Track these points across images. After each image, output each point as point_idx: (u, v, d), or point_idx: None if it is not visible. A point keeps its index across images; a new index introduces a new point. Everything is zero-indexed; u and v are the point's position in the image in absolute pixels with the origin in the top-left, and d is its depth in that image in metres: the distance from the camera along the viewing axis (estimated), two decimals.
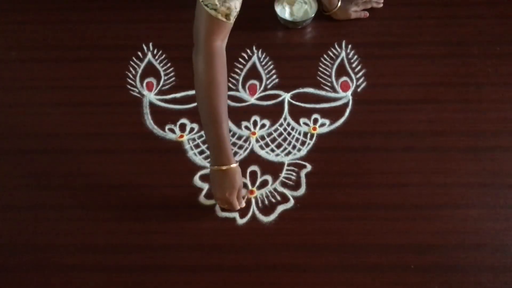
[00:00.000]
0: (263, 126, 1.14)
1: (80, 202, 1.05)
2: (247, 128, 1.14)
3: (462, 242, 0.98)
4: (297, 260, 0.98)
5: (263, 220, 1.02)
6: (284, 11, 1.25)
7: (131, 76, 1.22)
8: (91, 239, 1.01)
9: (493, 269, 0.96)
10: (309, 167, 1.08)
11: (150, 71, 1.22)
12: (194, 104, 1.16)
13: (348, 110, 1.15)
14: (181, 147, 1.12)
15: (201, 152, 1.11)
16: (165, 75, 1.22)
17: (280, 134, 1.13)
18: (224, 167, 0.94)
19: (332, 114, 1.15)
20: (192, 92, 1.18)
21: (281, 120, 1.14)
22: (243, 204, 1.02)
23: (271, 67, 1.22)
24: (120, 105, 1.17)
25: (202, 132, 1.13)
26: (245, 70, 1.21)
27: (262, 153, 1.11)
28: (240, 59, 1.23)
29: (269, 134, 1.13)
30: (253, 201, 1.04)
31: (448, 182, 1.05)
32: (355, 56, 1.23)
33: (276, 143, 1.12)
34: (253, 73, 1.21)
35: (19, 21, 1.32)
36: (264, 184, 1.07)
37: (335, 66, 1.21)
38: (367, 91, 1.18)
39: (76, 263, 0.98)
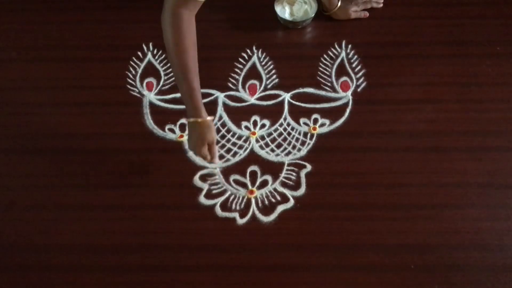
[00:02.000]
0: (263, 126, 1.14)
1: (80, 202, 1.05)
2: (247, 128, 1.14)
3: (462, 242, 0.98)
4: (297, 260, 0.98)
5: (263, 220, 1.02)
6: (284, 11, 1.25)
7: (131, 76, 1.22)
8: (91, 239, 1.01)
9: (493, 269, 0.96)
10: (309, 167, 1.08)
11: (150, 71, 1.23)
12: None
13: (348, 110, 1.15)
14: (181, 147, 1.12)
15: None
16: (165, 75, 1.22)
17: (280, 134, 1.13)
18: (192, 120, 0.97)
19: (332, 114, 1.15)
20: None
21: (281, 120, 1.15)
22: (216, 160, 1.03)
23: (271, 67, 1.22)
24: (120, 105, 1.17)
25: None
26: (245, 70, 1.21)
27: (262, 153, 1.11)
28: (240, 59, 1.23)
29: (269, 134, 1.13)
30: (253, 201, 1.04)
31: (448, 182, 1.05)
32: (355, 56, 1.23)
33: (276, 143, 1.12)
34: (253, 73, 1.21)
35: (19, 21, 1.32)
36: (264, 184, 1.07)
37: (335, 66, 1.21)
38: (367, 91, 1.18)
39: (76, 263, 0.98)
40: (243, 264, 0.98)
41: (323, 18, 1.28)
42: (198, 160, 1.09)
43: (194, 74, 0.94)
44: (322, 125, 1.13)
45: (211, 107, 1.16)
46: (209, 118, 0.98)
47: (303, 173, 1.07)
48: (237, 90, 1.19)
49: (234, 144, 1.12)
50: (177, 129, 1.14)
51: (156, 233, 1.01)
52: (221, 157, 1.10)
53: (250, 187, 1.06)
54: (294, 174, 1.08)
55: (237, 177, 1.08)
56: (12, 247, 1.01)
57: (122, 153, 1.11)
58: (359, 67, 1.21)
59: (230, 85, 1.19)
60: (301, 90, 1.18)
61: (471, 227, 1.00)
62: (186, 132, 1.13)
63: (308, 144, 1.11)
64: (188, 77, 0.93)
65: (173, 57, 0.93)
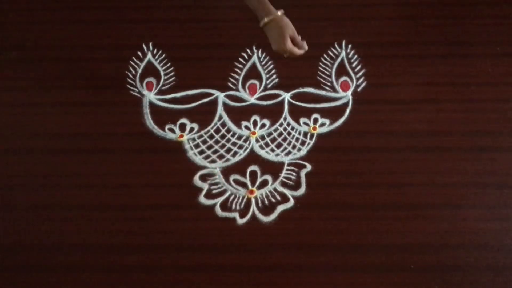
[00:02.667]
0: (263, 126, 1.14)
1: (80, 202, 1.05)
2: (247, 128, 1.14)
3: (462, 242, 0.98)
4: (297, 260, 0.98)
5: (263, 220, 1.02)
6: None
7: (131, 76, 1.22)
8: (91, 239, 1.01)
9: (493, 269, 0.96)
10: (309, 167, 1.08)
11: (150, 71, 1.23)
12: (194, 104, 1.17)
13: (348, 110, 1.15)
14: (181, 147, 1.12)
15: (201, 152, 1.11)
16: (165, 75, 1.22)
17: (280, 134, 1.13)
18: (266, 20, 0.96)
19: (332, 114, 1.15)
20: (192, 92, 1.19)
21: (281, 120, 1.15)
22: (305, 46, 1.01)
23: (271, 67, 1.22)
24: (120, 105, 1.17)
25: (202, 132, 1.13)
26: (245, 70, 1.21)
27: (262, 153, 1.11)
28: (240, 59, 1.23)
29: (269, 134, 1.13)
30: (253, 201, 1.04)
31: (448, 182, 1.05)
32: (355, 56, 1.23)
33: (276, 143, 1.12)
34: (253, 73, 1.21)
35: (19, 21, 1.32)
36: (264, 184, 1.07)
37: (335, 66, 1.21)
38: (367, 91, 1.18)
39: (76, 263, 0.98)
40: (243, 264, 0.98)
41: (323, 18, 1.28)
42: (198, 160, 1.09)
43: None
44: (322, 125, 1.13)
45: (211, 107, 1.17)
46: (280, 12, 0.97)
47: (303, 173, 1.07)
48: (237, 90, 1.19)
49: (234, 144, 1.12)
50: (177, 129, 1.14)
51: (156, 233, 1.01)
52: (221, 157, 1.10)
53: (250, 187, 1.06)
54: (294, 174, 1.07)
55: (237, 177, 1.08)
56: (12, 247, 1.01)
57: (122, 153, 1.11)
58: (359, 67, 1.21)
59: (230, 85, 1.19)
60: (301, 90, 1.18)
61: (471, 227, 1.00)
62: (186, 132, 1.13)
63: (308, 144, 1.11)
64: None
65: None
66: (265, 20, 0.96)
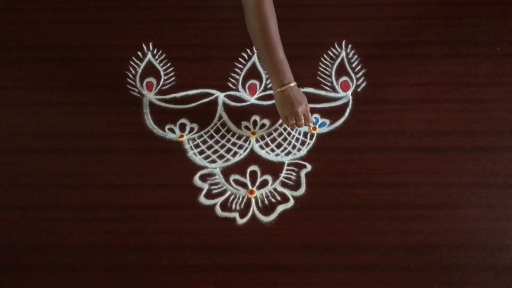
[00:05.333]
0: (263, 126, 1.14)
1: (80, 202, 1.05)
2: (247, 128, 1.14)
3: (462, 242, 0.98)
4: (297, 260, 0.98)
5: (263, 220, 1.02)
6: None
7: (131, 76, 1.22)
8: (91, 239, 1.01)
9: (493, 268, 0.96)
10: (309, 167, 1.08)
11: (150, 71, 1.23)
12: (194, 104, 1.17)
13: (348, 110, 1.15)
14: (181, 147, 1.12)
15: (201, 152, 1.11)
16: (165, 75, 1.22)
17: (280, 134, 1.13)
18: (284, 88, 1.00)
19: (332, 114, 1.15)
20: (192, 92, 1.19)
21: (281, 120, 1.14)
22: (312, 119, 1.09)
23: None
24: (120, 105, 1.17)
25: (202, 132, 1.13)
26: (245, 70, 1.21)
27: (262, 153, 1.11)
28: (240, 59, 1.23)
29: (269, 134, 1.13)
30: (253, 201, 1.04)
31: (448, 182, 1.05)
32: (355, 56, 1.23)
33: (276, 143, 1.12)
34: (253, 72, 1.21)
35: (19, 21, 1.32)
36: (264, 184, 1.07)
37: (335, 66, 1.21)
38: (367, 91, 1.18)
39: (76, 263, 0.99)
40: (243, 264, 0.98)
41: (323, 17, 1.28)
42: (198, 160, 1.09)
43: (279, 45, 0.99)
44: (322, 125, 1.13)
45: (211, 107, 1.17)
46: (294, 83, 1.01)
47: (303, 173, 1.07)
48: (237, 90, 1.19)
49: (234, 144, 1.12)
50: (177, 129, 1.14)
51: (156, 233, 1.01)
52: (221, 157, 1.10)
53: (250, 187, 1.06)
54: (294, 174, 1.08)
55: (237, 177, 1.08)
56: (12, 247, 1.01)
57: (122, 153, 1.11)
58: (359, 67, 1.21)
59: (230, 85, 1.19)
60: (301, 90, 1.18)
61: (471, 227, 1.00)
62: (186, 132, 1.13)
63: (308, 144, 1.11)
64: (274, 50, 0.98)
65: (257, 31, 0.97)
66: (283, 88, 1.00)
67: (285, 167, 1.09)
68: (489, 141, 1.10)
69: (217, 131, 1.13)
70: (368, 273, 0.96)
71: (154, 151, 1.11)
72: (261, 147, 1.11)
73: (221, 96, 1.18)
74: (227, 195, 1.05)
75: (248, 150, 1.11)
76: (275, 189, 1.06)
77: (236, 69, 1.21)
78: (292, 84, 1.00)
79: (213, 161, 1.10)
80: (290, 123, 1.04)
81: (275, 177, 1.07)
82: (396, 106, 1.15)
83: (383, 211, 1.02)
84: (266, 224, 1.02)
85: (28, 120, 1.16)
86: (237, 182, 1.07)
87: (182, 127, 1.14)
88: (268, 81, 1.20)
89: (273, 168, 1.09)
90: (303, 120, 1.03)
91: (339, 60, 1.22)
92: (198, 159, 1.10)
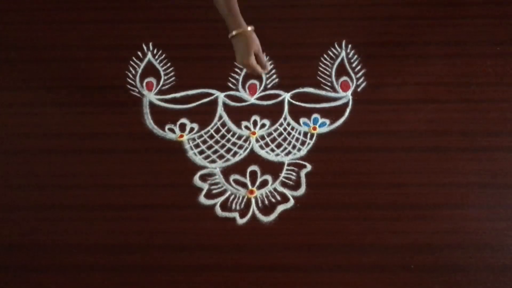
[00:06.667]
0: (263, 126, 1.14)
1: (80, 202, 1.05)
2: (247, 128, 1.14)
3: (462, 242, 0.98)
4: (297, 260, 0.98)
5: (263, 220, 1.02)
6: None
7: (131, 76, 1.22)
8: (91, 239, 1.01)
9: (493, 268, 0.96)
10: (309, 167, 1.08)
11: (150, 71, 1.23)
12: (194, 104, 1.17)
13: (348, 110, 1.15)
14: (181, 147, 1.12)
15: (201, 152, 1.11)
16: (165, 75, 1.22)
17: (280, 134, 1.13)
18: (235, 32, 0.99)
19: (332, 114, 1.15)
20: (192, 92, 1.19)
21: (281, 119, 1.15)
22: (268, 67, 1.07)
23: (271, 66, 1.22)
24: (120, 105, 1.17)
25: (202, 132, 1.13)
26: (245, 70, 1.21)
27: (262, 153, 1.11)
28: None
29: (269, 134, 1.13)
30: (253, 201, 1.04)
31: (448, 182, 1.05)
32: (355, 56, 1.23)
33: (276, 143, 1.12)
34: None
35: (19, 21, 1.32)
36: (264, 184, 1.07)
37: (335, 66, 1.21)
38: (367, 91, 1.18)
39: (76, 263, 0.98)
40: (243, 264, 0.98)
41: (323, 18, 1.28)
42: (198, 160, 1.09)
43: None
44: (322, 125, 1.13)
45: (211, 107, 1.17)
46: (249, 28, 1.00)
47: (303, 173, 1.07)
48: (237, 90, 1.19)
49: (234, 144, 1.12)
50: (177, 129, 1.14)
51: (156, 233, 1.01)
52: (221, 157, 1.10)
53: (250, 187, 1.06)
54: (294, 174, 1.08)
55: (237, 177, 1.08)
56: (12, 247, 1.01)
57: (122, 153, 1.11)
58: (359, 67, 1.21)
59: (230, 85, 1.19)
60: (301, 90, 1.18)
61: (471, 227, 1.00)
62: (186, 132, 1.13)
63: (308, 144, 1.11)
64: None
65: None
66: (234, 33, 0.99)
67: (285, 167, 1.09)
68: (489, 141, 1.10)
69: (217, 131, 1.13)
70: (368, 273, 0.96)
71: (154, 151, 1.11)
72: (261, 147, 1.11)
73: (221, 96, 1.18)
74: (227, 195, 1.05)
75: (248, 150, 1.11)
76: (275, 189, 1.06)
77: (236, 69, 1.21)
78: (248, 29, 1.00)
79: (213, 161, 1.10)
80: (247, 66, 1.02)
81: (275, 177, 1.07)
82: (396, 106, 1.15)
83: (383, 211, 1.02)
84: (266, 224, 1.02)
85: (28, 120, 1.16)
86: (237, 182, 1.07)
87: (182, 127, 1.14)
88: (268, 81, 1.20)
89: (273, 168, 1.09)
90: (258, 66, 1.02)
91: (339, 60, 1.22)
92: (198, 159, 1.10)
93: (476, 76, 1.18)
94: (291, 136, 1.13)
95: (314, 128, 1.13)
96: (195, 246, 1.00)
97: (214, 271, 0.97)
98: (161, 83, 1.21)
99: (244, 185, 1.07)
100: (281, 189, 1.06)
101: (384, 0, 1.30)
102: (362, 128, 1.12)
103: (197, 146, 1.12)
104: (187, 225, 1.02)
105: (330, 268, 0.97)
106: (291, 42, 1.26)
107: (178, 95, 1.18)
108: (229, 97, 1.18)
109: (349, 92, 1.18)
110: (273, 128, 1.14)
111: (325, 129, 1.13)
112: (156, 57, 1.24)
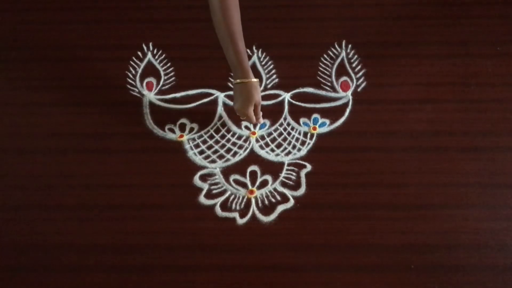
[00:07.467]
0: (263, 126, 1.14)
1: (80, 202, 1.05)
2: (247, 128, 1.14)
3: (462, 242, 0.98)
4: (297, 260, 0.98)
5: (263, 220, 1.02)
6: None
7: (131, 76, 1.22)
8: (91, 239, 1.01)
9: (493, 268, 0.96)
10: (309, 167, 1.08)
11: (150, 71, 1.23)
12: (194, 104, 1.17)
13: (348, 110, 1.15)
14: (181, 147, 1.12)
15: (201, 152, 1.11)
16: (165, 75, 1.22)
17: (280, 134, 1.13)
18: (239, 81, 1.02)
19: (332, 114, 1.15)
20: (192, 92, 1.19)
21: (281, 120, 1.15)
22: (261, 120, 1.11)
23: (271, 67, 1.22)
24: (120, 105, 1.17)
25: (202, 132, 1.13)
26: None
27: (262, 153, 1.11)
28: None
29: (269, 134, 1.13)
30: (253, 201, 1.04)
31: (448, 182, 1.05)
32: (355, 56, 1.23)
33: (276, 143, 1.12)
34: (253, 72, 1.20)
35: (19, 21, 1.32)
36: (264, 184, 1.07)
37: (335, 66, 1.21)
38: (367, 91, 1.18)
39: (76, 263, 0.98)
40: (243, 264, 0.98)
41: (323, 18, 1.28)
42: (198, 160, 1.09)
43: (240, 37, 1.00)
44: (322, 125, 1.13)
45: (211, 107, 1.17)
46: (255, 80, 1.03)
47: (303, 173, 1.07)
48: None
49: (234, 144, 1.12)
50: (177, 129, 1.14)
51: (156, 233, 1.01)
52: (221, 157, 1.10)
53: (250, 187, 1.06)
54: (294, 174, 1.08)
55: (237, 177, 1.08)
56: (12, 247, 1.01)
57: (122, 153, 1.11)
58: (359, 67, 1.21)
59: (230, 85, 1.19)
60: (301, 90, 1.18)
61: (471, 227, 1.00)
62: (186, 132, 1.13)
63: (308, 144, 1.11)
64: (235, 41, 0.99)
65: (219, 23, 0.98)
66: (239, 81, 1.02)
67: (285, 167, 1.09)
68: (489, 141, 1.10)
69: (217, 131, 1.13)
70: (368, 273, 0.96)
71: (154, 151, 1.11)
72: (261, 147, 1.11)
73: (221, 96, 1.18)
74: (227, 195, 1.05)
75: (248, 150, 1.11)
76: (275, 189, 1.06)
77: None
78: (254, 80, 1.03)
79: (213, 161, 1.10)
80: (244, 116, 1.08)
81: (275, 177, 1.07)
82: (396, 106, 1.15)
83: (383, 211, 1.02)
84: (266, 224, 1.02)
85: (28, 120, 1.16)
86: (237, 182, 1.07)
87: (182, 127, 1.14)
88: (268, 81, 1.20)
89: (273, 168, 1.09)
90: (253, 114, 1.07)
91: (339, 60, 1.22)
92: (198, 159, 1.10)
93: (476, 76, 1.18)
94: (291, 136, 1.13)
95: (314, 128, 1.13)
96: (195, 246, 1.00)
97: (214, 271, 0.97)
98: (161, 83, 1.21)
99: (244, 185, 1.07)
100: (281, 189, 1.06)
101: (384, 0, 1.30)
102: (362, 128, 1.12)
103: (197, 146, 1.12)
104: (187, 225, 1.02)
105: (330, 268, 0.97)
106: (291, 42, 1.26)
107: (178, 95, 1.18)
108: (229, 97, 1.18)
109: (349, 92, 1.18)
110: (273, 128, 1.14)
111: (325, 129, 1.13)
112: (156, 57, 1.25)
